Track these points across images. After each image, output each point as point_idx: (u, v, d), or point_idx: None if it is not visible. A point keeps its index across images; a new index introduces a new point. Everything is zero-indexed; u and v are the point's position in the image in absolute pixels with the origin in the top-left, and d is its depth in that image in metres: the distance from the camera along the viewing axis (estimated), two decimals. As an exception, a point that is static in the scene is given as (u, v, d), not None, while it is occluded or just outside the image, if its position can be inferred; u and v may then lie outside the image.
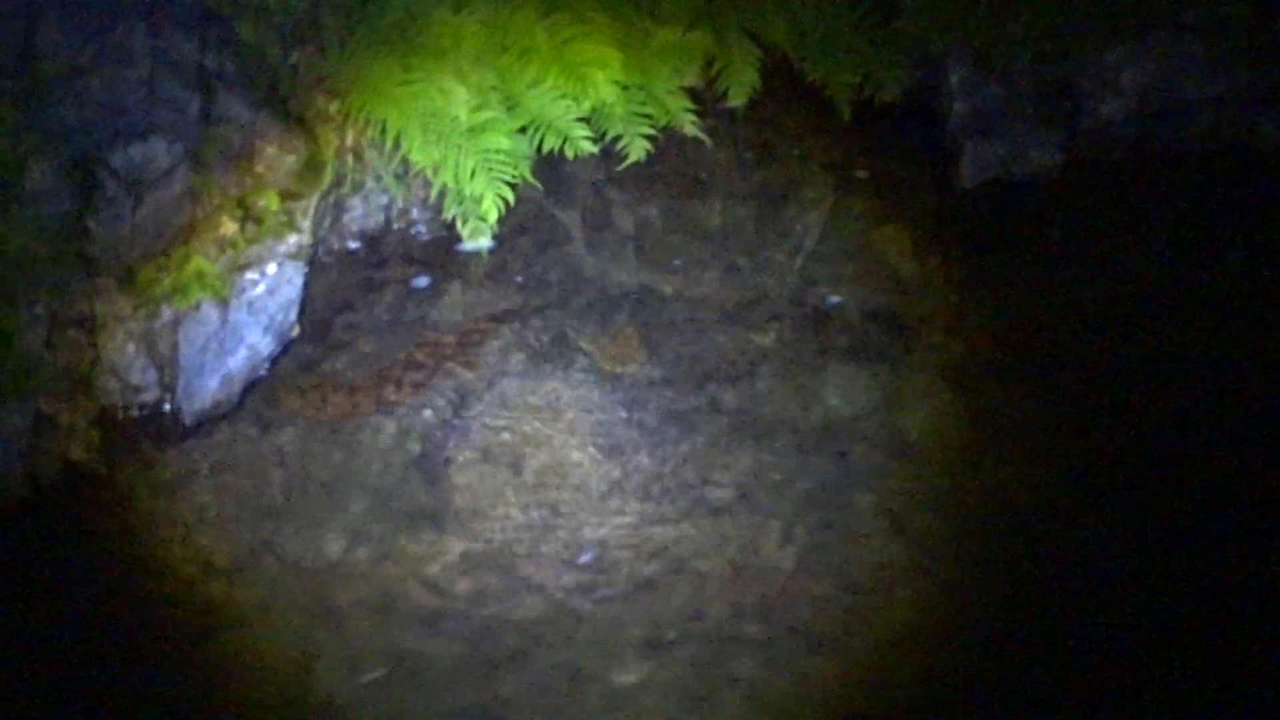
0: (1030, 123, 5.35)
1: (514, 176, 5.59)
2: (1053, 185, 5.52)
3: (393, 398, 5.29)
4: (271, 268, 5.54)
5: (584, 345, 5.34)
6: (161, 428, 5.22)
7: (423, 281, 5.76)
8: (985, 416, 4.80)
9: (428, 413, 5.19)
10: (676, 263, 5.53)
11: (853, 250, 5.34)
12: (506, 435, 4.93)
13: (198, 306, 5.35)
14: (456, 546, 4.74)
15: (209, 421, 5.31)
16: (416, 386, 5.31)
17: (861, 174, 5.67)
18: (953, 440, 4.79)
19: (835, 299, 5.25)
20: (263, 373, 5.54)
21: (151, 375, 5.27)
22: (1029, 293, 5.20)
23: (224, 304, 5.41)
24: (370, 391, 5.36)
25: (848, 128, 5.69)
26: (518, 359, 5.34)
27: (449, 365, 5.36)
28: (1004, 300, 5.11)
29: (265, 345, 5.57)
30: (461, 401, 5.15)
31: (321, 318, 5.68)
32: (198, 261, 5.34)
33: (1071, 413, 4.78)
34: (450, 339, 5.45)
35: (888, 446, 4.76)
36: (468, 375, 5.30)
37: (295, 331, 5.67)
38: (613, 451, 4.95)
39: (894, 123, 5.75)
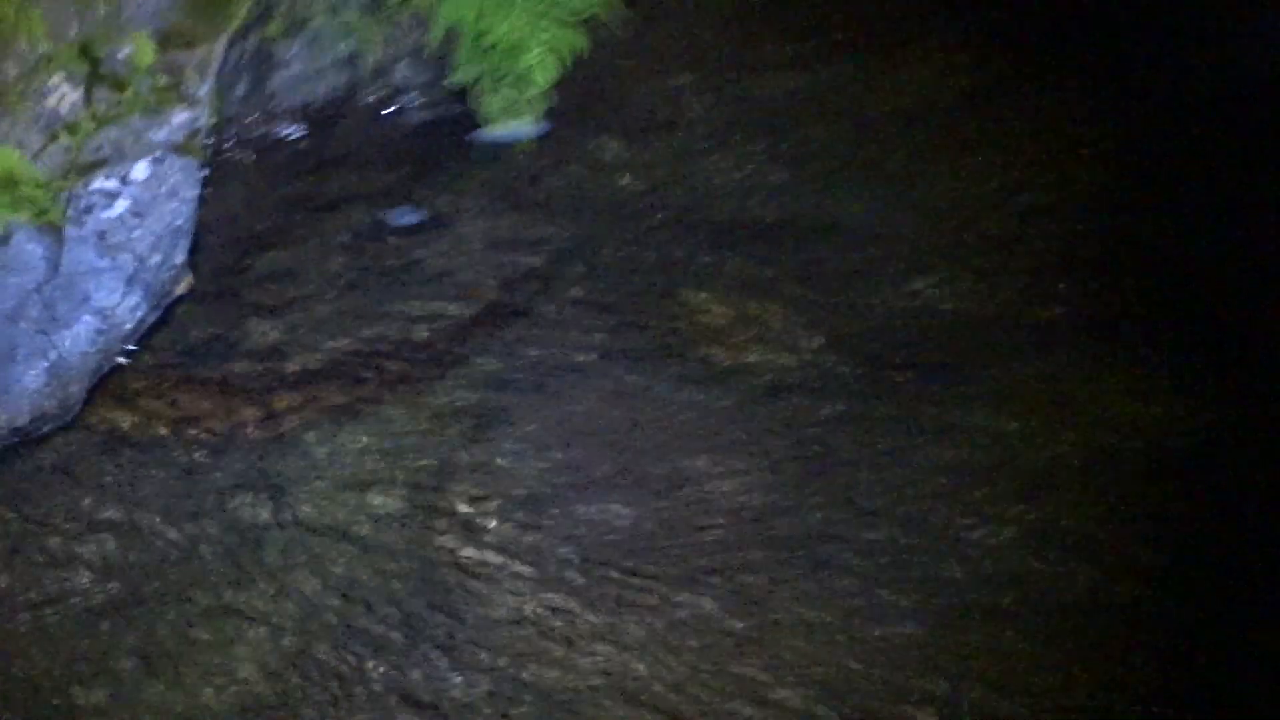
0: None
1: (586, 8, 5.24)
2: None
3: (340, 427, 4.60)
4: (140, 170, 4.77)
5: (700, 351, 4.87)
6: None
7: (408, 212, 5.37)
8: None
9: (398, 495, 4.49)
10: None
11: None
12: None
13: (5, 241, 4.59)
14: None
15: (20, 449, 4.65)
16: (368, 406, 4.71)
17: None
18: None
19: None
20: (122, 360, 4.88)
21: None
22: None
23: (54, 236, 4.68)
24: (303, 408, 4.72)
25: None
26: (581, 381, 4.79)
27: (437, 378, 4.80)
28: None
29: (128, 309, 4.88)
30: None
31: (228, 260, 5.19)
32: (5, 157, 4.57)
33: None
34: (453, 320, 4.95)
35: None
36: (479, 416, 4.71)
37: (183, 286, 5.06)
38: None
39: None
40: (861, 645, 3.91)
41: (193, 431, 4.66)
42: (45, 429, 4.73)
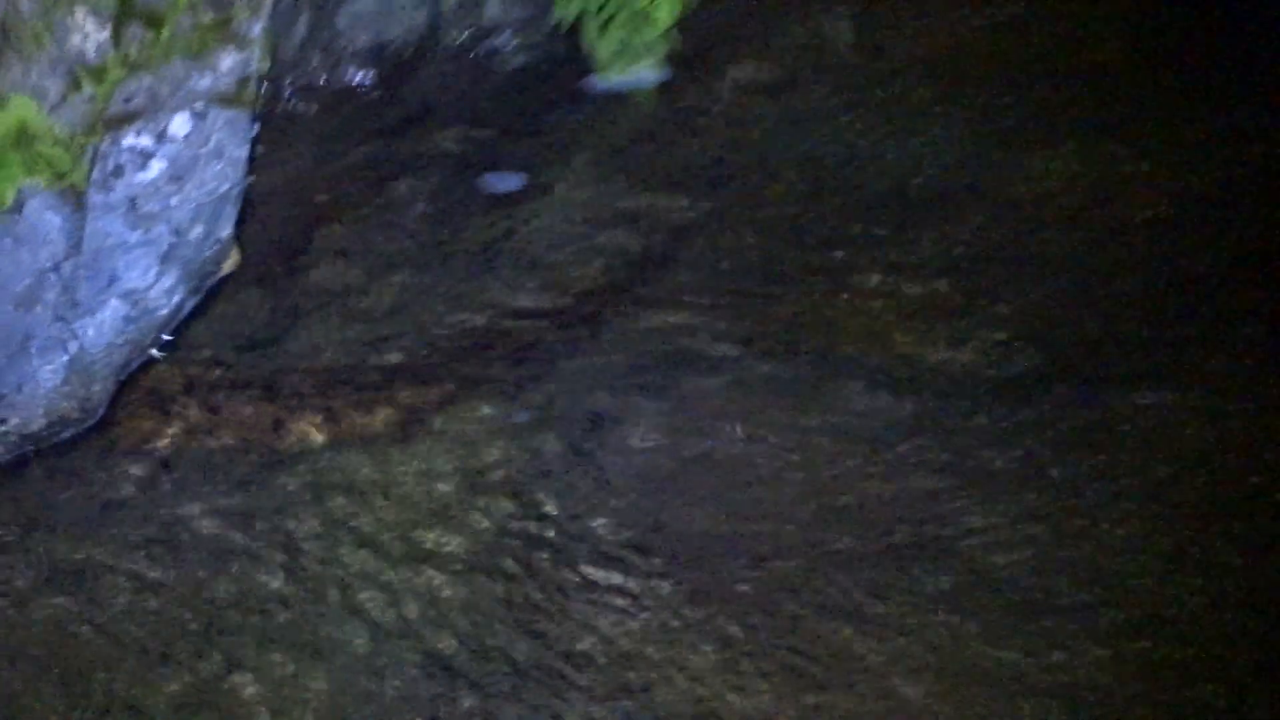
0: None
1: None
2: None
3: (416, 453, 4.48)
4: (179, 124, 4.51)
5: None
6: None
7: (500, 177, 5.25)
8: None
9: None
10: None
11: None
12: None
13: (17, 209, 4.41)
14: None
15: (34, 461, 4.50)
16: (447, 412, 4.59)
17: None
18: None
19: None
20: (155, 354, 4.69)
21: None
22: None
23: (75, 203, 4.48)
24: (369, 414, 4.57)
25: None
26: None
27: (530, 379, 4.68)
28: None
29: (163, 293, 4.69)
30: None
31: (283, 235, 5.08)
32: (18, 107, 4.36)
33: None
34: (551, 309, 4.87)
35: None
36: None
37: (229, 265, 4.85)
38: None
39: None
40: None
41: (237, 443, 4.47)
42: (64, 435, 4.49)
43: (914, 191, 5.31)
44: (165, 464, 4.42)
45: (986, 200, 5.23)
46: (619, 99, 5.57)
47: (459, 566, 4.19)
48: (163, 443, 4.47)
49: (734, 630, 4.05)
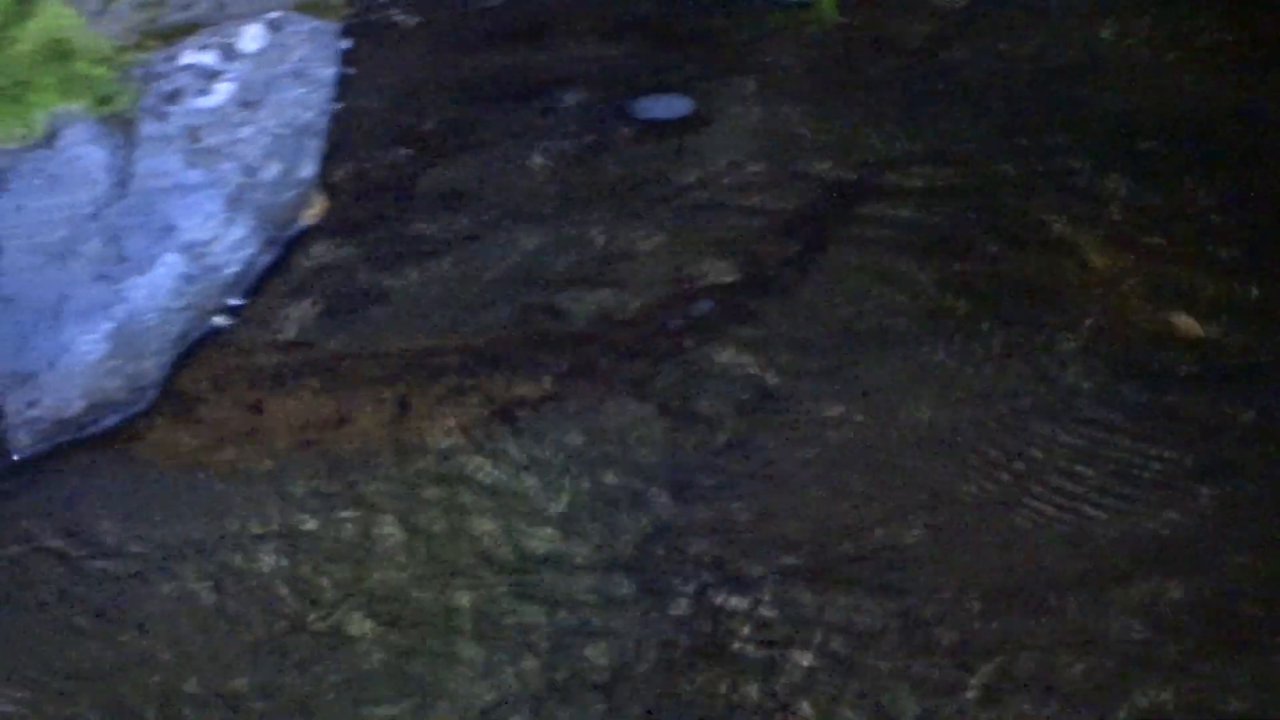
0: None
1: None
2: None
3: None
4: (251, 37, 4.59)
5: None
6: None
7: (652, 103, 4.91)
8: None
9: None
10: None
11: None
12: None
13: (50, 142, 4.38)
14: None
15: (71, 454, 4.16)
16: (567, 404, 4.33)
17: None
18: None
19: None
20: (221, 321, 4.35)
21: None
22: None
23: (122, 135, 4.45)
24: (464, 405, 4.19)
25: None
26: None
27: (669, 353, 4.35)
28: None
29: (231, 246, 4.43)
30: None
31: (379, 175, 4.75)
32: (51, 16, 4.48)
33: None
34: (706, 272, 4.49)
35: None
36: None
37: (312, 212, 4.56)
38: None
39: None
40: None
41: (313, 437, 4.10)
42: (107, 422, 4.12)
43: (1153, 123, 4.89)
44: (223, 465, 4.09)
45: (1243, 136, 4.81)
46: (800, 8, 5.19)
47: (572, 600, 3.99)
48: (218, 430, 4.15)
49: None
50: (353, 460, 4.18)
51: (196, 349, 4.39)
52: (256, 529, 4.04)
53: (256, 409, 4.33)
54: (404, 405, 4.27)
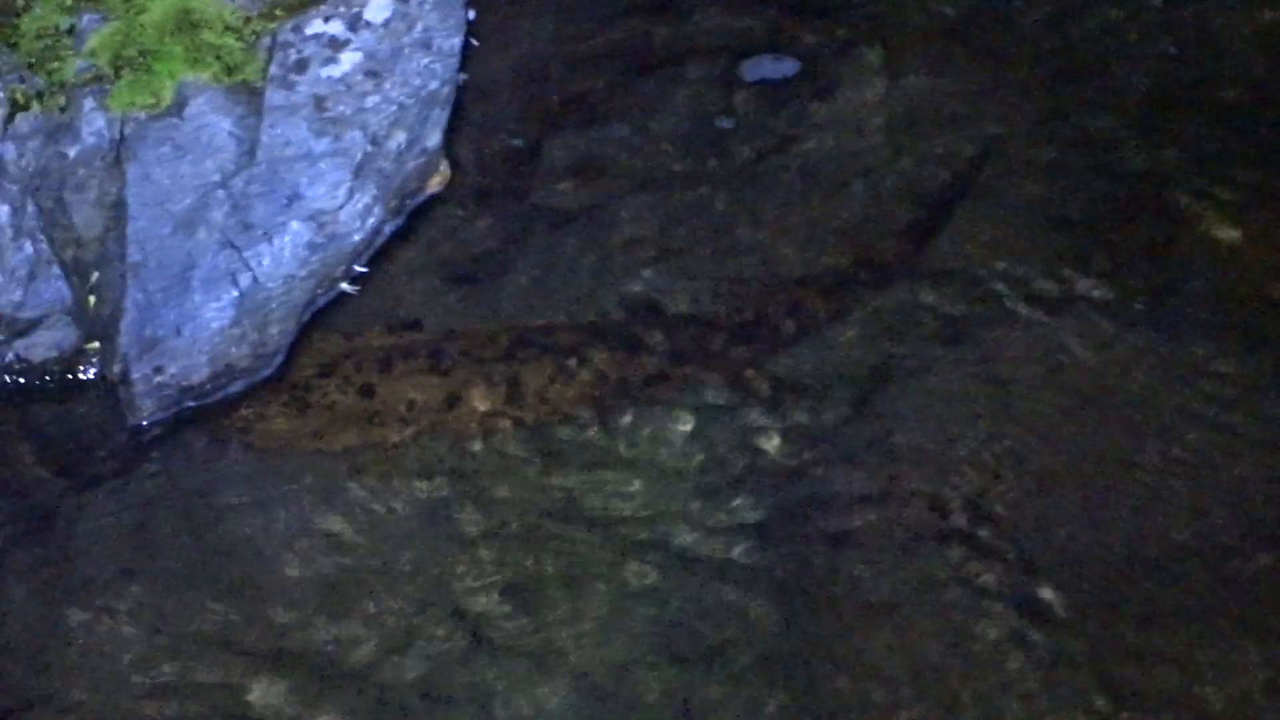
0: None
1: None
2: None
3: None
4: (377, 6, 4.49)
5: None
6: (80, 431, 4.23)
7: (781, 63, 5.02)
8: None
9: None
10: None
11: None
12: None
13: (178, 111, 4.33)
14: None
15: (197, 421, 4.21)
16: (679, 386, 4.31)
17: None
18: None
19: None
20: (347, 288, 4.40)
21: (45, 294, 4.36)
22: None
23: (249, 104, 4.41)
24: (575, 386, 4.26)
25: None
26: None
27: (795, 337, 4.39)
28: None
29: (356, 214, 4.44)
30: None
31: (507, 145, 4.77)
32: None
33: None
34: (825, 250, 4.54)
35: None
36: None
37: (437, 181, 4.57)
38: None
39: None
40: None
41: (426, 420, 4.11)
42: (233, 388, 4.15)
43: None
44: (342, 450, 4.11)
45: None
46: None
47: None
48: (338, 410, 4.18)
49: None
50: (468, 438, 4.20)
51: (322, 316, 4.36)
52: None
53: (365, 386, 4.27)
54: (514, 383, 4.25)
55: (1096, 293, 4.42)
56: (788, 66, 5.01)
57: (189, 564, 3.97)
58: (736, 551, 4.04)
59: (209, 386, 4.17)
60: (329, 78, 4.40)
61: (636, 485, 4.17)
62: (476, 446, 4.16)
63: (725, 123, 4.89)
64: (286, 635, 3.92)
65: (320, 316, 4.45)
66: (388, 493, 4.13)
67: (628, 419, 4.24)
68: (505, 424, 4.19)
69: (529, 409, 4.21)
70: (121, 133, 4.28)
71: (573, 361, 4.33)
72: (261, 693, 3.81)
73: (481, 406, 4.23)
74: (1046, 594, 3.99)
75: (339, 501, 4.11)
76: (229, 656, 3.89)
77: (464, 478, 4.12)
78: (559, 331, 4.38)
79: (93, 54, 4.37)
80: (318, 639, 3.92)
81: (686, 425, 4.25)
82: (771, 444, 4.24)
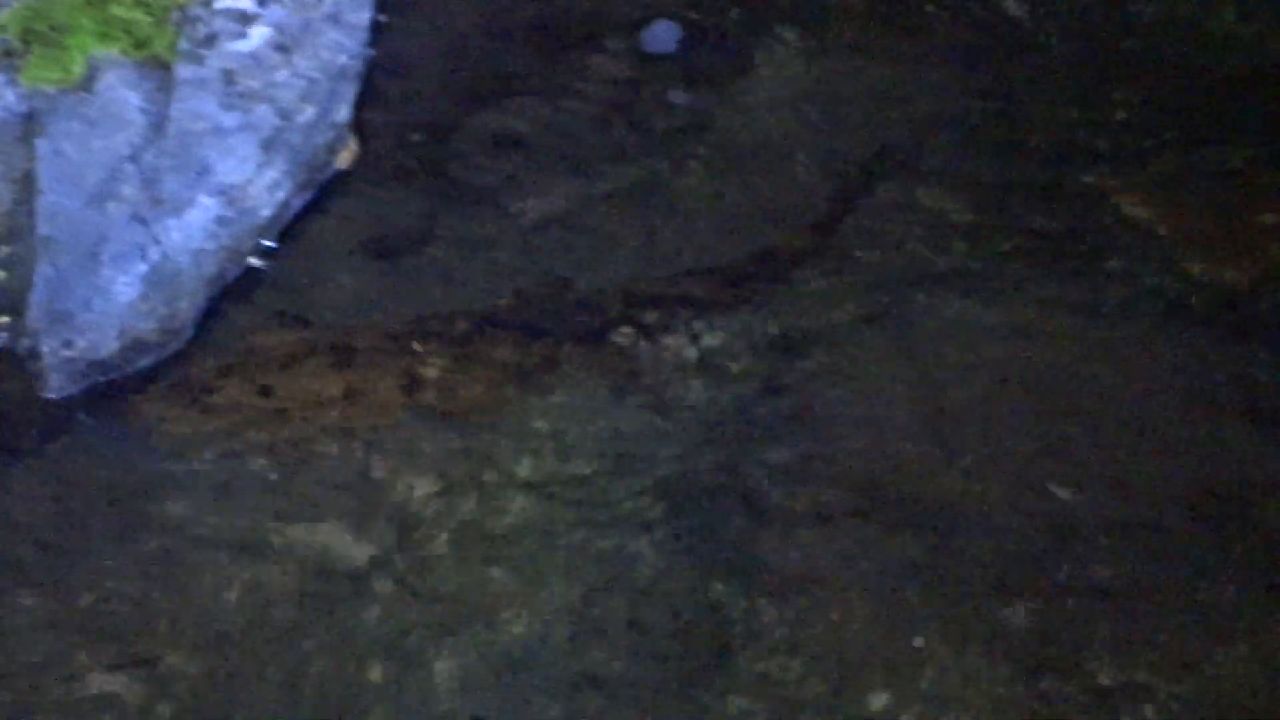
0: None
1: None
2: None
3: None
4: None
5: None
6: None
7: (664, 33, 4.96)
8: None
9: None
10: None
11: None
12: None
13: (88, 85, 4.37)
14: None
15: (106, 396, 4.19)
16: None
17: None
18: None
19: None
20: (257, 263, 4.41)
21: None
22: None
23: (159, 78, 4.42)
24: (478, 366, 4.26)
25: None
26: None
27: (726, 305, 4.48)
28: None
29: (265, 188, 4.45)
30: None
31: (419, 120, 4.74)
32: None
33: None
34: (749, 222, 4.59)
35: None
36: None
37: (346, 157, 4.58)
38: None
39: None
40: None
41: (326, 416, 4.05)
42: (141, 363, 4.12)
43: (1200, 71, 4.79)
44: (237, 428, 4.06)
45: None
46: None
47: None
48: (239, 388, 4.14)
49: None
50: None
51: (231, 292, 4.35)
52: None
53: (270, 360, 4.22)
54: (413, 376, 4.21)
55: (1014, 271, 4.45)
56: (671, 40, 4.89)
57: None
58: (651, 523, 4.03)
59: (118, 360, 4.17)
60: (238, 52, 4.38)
61: (545, 465, 4.14)
62: (377, 439, 4.15)
63: (642, 99, 4.78)
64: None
65: (224, 306, 4.37)
66: (289, 487, 4.10)
67: (535, 401, 4.21)
68: (404, 416, 4.19)
69: (429, 400, 4.21)
70: (31, 107, 4.18)
71: (473, 349, 4.32)
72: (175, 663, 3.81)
73: (383, 399, 4.24)
74: (962, 570, 4.00)
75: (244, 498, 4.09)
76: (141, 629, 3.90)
77: (366, 477, 4.08)
78: (459, 319, 4.35)
79: (3, 28, 4.27)
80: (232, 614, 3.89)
81: (601, 401, 4.22)
82: (686, 415, 4.20)
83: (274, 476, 4.09)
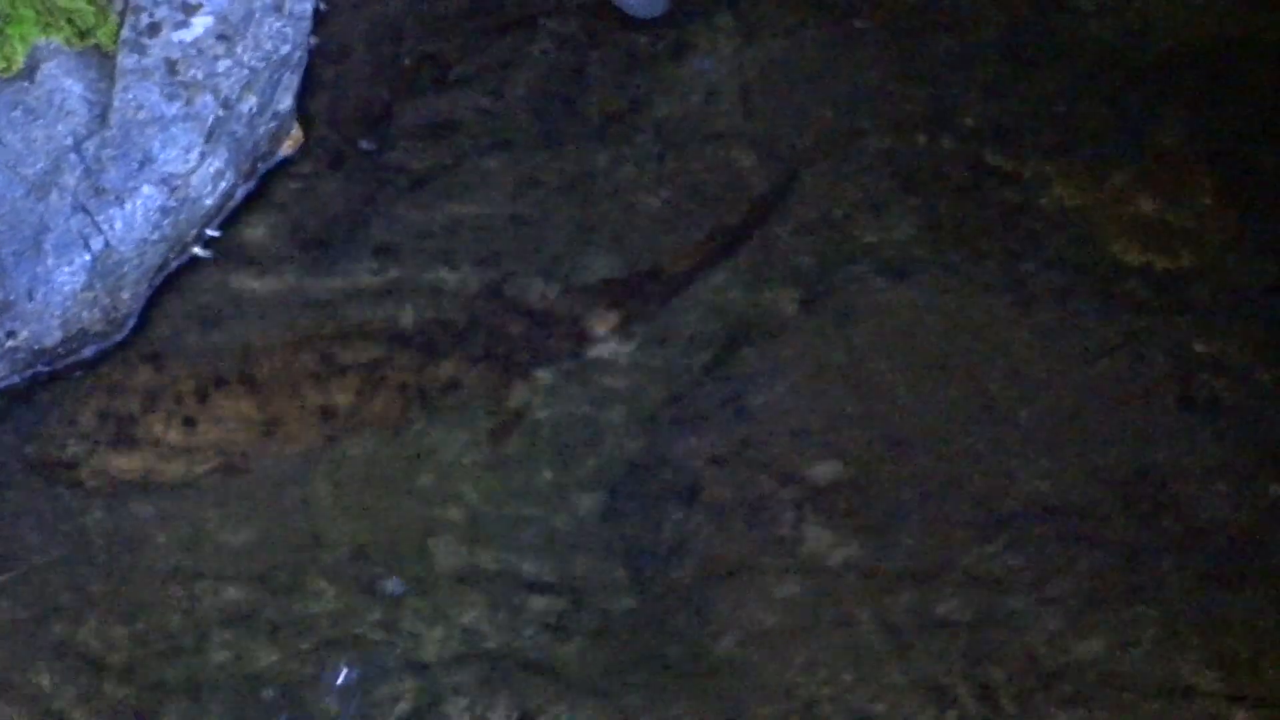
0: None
1: None
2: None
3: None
4: None
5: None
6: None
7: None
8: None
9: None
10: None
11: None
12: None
13: (30, 75, 4.31)
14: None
15: (48, 385, 4.26)
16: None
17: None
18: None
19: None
20: (200, 253, 4.42)
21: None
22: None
23: (101, 68, 4.36)
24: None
25: None
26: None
27: (661, 298, 4.58)
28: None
29: (208, 178, 4.43)
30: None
31: (360, 108, 4.72)
32: None
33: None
34: (681, 212, 4.69)
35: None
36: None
37: (289, 145, 4.59)
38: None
39: None
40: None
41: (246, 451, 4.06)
42: (85, 353, 4.14)
43: (1133, 45, 4.71)
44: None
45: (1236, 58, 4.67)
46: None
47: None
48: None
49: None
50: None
51: (175, 281, 4.29)
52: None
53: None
54: (329, 404, 4.19)
55: (948, 256, 4.41)
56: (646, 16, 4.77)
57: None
58: (583, 513, 4.06)
59: (61, 350, 4.13)
60: (181, 41, 4.22)
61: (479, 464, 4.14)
62: (297, 471, 4.14)
63: (579, 84, 4.70)
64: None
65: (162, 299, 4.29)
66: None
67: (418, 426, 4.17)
68: (321, 444, 4.17)
69: (344, 426, 4.21)
70: (-29, 97, 4.05)
71: (386, 372, 4.32)
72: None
73: (297, 431, 4.24)
74: (896, 558, 4.05)
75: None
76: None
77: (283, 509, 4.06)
78: (371, 339, 4.32)
79: (-56, 19, 4.09)
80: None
81: (546, 383, 4.24)
82: (619, 405, 4.22)
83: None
